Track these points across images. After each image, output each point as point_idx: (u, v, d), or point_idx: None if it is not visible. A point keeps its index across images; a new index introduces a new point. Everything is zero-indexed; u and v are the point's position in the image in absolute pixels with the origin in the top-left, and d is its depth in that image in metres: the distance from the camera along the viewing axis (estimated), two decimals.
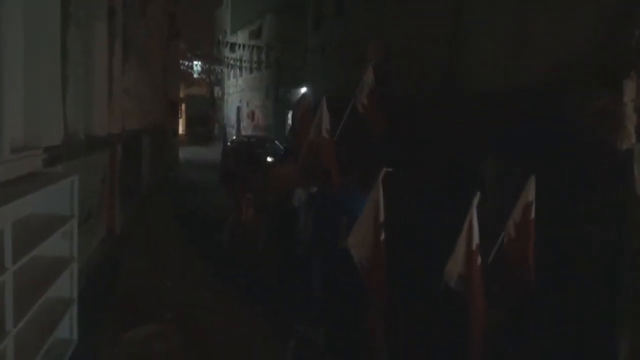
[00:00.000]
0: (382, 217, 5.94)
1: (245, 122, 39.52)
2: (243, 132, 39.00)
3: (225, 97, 47.21)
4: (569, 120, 6.88)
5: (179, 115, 38.65)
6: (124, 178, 9.38)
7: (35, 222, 3.91)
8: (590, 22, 6.82)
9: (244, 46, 31.82)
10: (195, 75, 50.42)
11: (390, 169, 6.43)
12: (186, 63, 42.60)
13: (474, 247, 5.25)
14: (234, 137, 31.62)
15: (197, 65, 49.05)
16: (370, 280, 6.08)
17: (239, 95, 41.73)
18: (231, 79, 44.56)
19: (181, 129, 44.84)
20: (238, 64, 34.83)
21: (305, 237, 8.85)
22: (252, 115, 37.12)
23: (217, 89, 49.27)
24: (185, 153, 31.38)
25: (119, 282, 9.02)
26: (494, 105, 8.61)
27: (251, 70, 35.97)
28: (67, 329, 4.23)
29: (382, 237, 5.95)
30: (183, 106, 47.94)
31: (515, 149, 8.07)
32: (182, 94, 42.77)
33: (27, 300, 3.40)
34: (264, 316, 8.44)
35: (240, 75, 39.80)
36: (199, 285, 9.64)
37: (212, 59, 44.14)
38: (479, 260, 5.31)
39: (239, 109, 41.81)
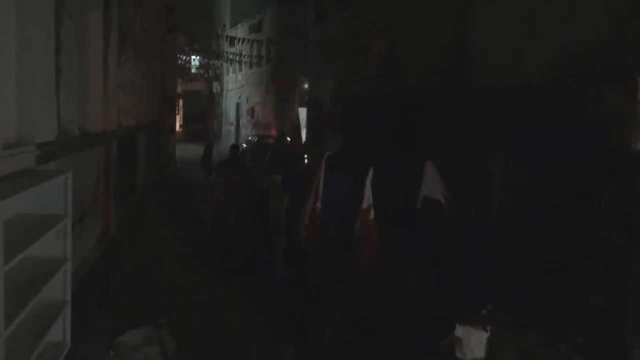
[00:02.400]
0: (320, 189, 7.51)
1: (244, 119, 39.31)
2: (242, 130, 38.75)
3: (224, 93, 47.04)
4: (580, 117, 6.78)
5: (176, 112, 38.55)
6: (119, 176, 9.28)
7: (28, 221, 3.80)
8: (603, 14, 6.71)
9: (243, 40, 31.58)
10: (193, 70, 50.26)
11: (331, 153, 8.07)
12: (184, 57, 42.43)
13: (365, 206, 7.03)
14: (252, 137, 29.44)
15: (195, 59, 48.88)
16: (310, 244, 7.70)
17: (238, 91, 41.48)
18: (230, 74, 44.31)
19: (178, 126, 44.80)
20: (237, 58, 34.67)
21: (274, 218, 9.94)
22: (251, 112, 36.92)
23: (215, 85, 49.04)
24: (182, 150, 31.22)
25: (114, 283, 8.93)
26: (501, 100, 8.51)
27: (251, 65, 35.77)
28: (60, 332, 4.13)
29: (319, 205, 7.53)
30: (180, 102, 47.93)
31: (522, 146, 7.99)
32: (179, 90, 42.67)
33: (18, 302, 3.30)
34: (261, 320, 8.34)
35: (240, 70, 39.62)
36: (195, 286, 9.55)
37: (211, 53, 43.93)
38: (371, 215, 7.00)
39: (238, 105, 41.60)
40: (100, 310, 7.74)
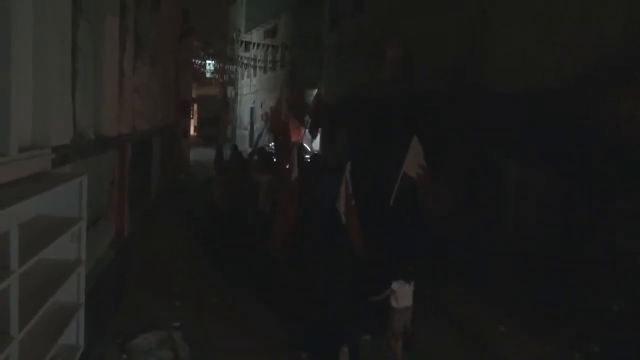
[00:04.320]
0: (295, 174, 9.13)
1: (258, 124, 39.25)
2: (256, 135, 38.71)
3: (239, 97, 47.07)
4: (596, 122, 6.73)
5: (191, 116, 38.62)
6: (134, 179, 9.31)
7: (43, 223, 3.81)
8: (619, 20, 6.66)
9: (258, 45, 31.68)
10: (208, 75, 50.35)
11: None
12: (199, 62, 42.55)
13: (349, 193, 7.84)
14: (271, 144, 27.61)
15: (210, 64, 48.99)
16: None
17: (252, 96, 41.46)
18: (245, 79, 44.27)
19: (192, 130, 44.85)
20: (252, 63, 34.73)
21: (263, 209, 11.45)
22: (265, 117, 36.89)
23: (230, 89, 49.08)
24: (196, 155, 31.26)
25: (127, 286, 8.95)
26: (517, 106, 8.48)
27: (265, 70, 35.80)
28: (74, 334, 4.13)
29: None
30: (195, 106, 47.98)
31: (538, 152, 7.96)
32: (194, 94, 42.76)
33: (33, 304, 3.30)
34: (274, 324, 8.33)
35: (254, 75, 39.65)
36: (207, 290, 9.53)
37: (226, 58, 44.04)
38: (352, 202, 7.82)
39: (252, 110, 41.64)
40: (113, 312, 7.75)
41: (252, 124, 41.39)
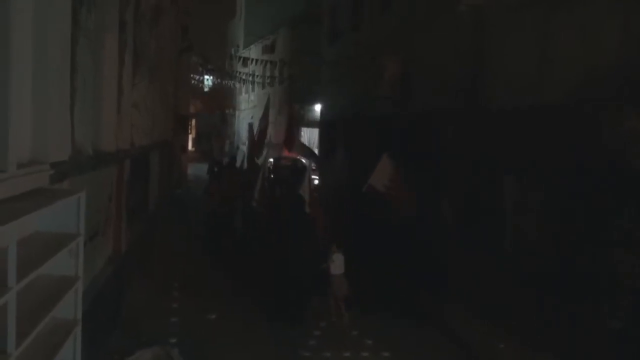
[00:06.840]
0: (265, 177, 12.87)
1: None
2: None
3: (237, 112, 47.15)
4: (596, 140, 6.73)
5: (189, 131, 38.62)
6: (132, 195, 9.30)
7: (41, 239, 3.81)
8: (618, 37, 6.68)
9: (256, 61, 31.81)
10: (207, 90, 50.35)
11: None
12: (197, 77, 42.58)
13: (312, 187, 10.71)
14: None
15: (208, 79, 48.99)
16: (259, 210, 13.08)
17: (250, 112, 41.62)
18: (243, 94, 44.47)
19: (190, 145, 44.84)
20: (250, 79, 34.84)
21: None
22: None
23: None
24: (194, 170, 31.25)
25: (124, 302, 8.91)
26: (516, 123, 8.50)
27: (264, 86, 35.89)
28: (71, 351, 4.10)
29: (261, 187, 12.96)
30: (193, 121, 47.96)
31: (538, 168, 7.96)
32: (192, 109, 42.84)
33: (30, 320, 3.29)
34: (270, 343, 8.37)
35: (253, 90, 39.76)
36: (204, 307, 9.49)
37: (224, 73, 44.10)
38: (314, 195, 10.66)
39: (250, 125, 41.72)
40: (110, 328, 7.71)
41: (249, 138, 41.35)
